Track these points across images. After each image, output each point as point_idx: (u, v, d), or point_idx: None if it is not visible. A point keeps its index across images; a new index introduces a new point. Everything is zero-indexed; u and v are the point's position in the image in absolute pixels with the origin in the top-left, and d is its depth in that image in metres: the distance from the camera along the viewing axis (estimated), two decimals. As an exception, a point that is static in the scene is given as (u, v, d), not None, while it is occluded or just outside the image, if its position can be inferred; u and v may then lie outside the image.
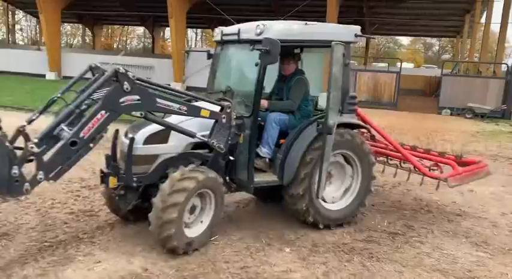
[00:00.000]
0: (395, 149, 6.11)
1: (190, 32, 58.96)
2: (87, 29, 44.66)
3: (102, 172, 4.41)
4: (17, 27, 46.95)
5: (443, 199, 6.59)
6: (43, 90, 19.35)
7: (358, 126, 5.38)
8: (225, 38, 5.21)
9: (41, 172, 3.56)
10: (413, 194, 6.81)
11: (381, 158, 6.45)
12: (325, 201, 5.06)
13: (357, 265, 4.21)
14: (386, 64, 27.31)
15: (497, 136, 13.37)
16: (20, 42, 47.16)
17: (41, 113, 4.08)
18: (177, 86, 22.59)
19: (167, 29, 38.38)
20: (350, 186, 5.28)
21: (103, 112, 3.76)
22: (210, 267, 3.99)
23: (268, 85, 5.40)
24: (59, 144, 3.63)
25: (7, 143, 3.43)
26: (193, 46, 56.76)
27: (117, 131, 4.49)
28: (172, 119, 4.42)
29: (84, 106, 3.87)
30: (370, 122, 6.11)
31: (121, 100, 3.82)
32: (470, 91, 18.06)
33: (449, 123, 15.85)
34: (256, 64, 4.48)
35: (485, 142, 11.88)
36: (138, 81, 3.90)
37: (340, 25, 5.74)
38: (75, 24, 48.75)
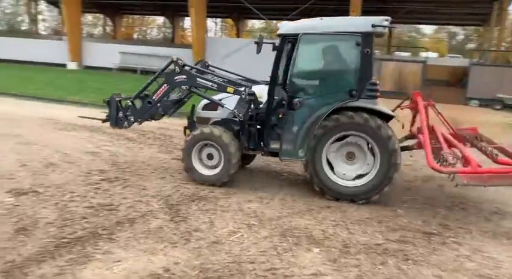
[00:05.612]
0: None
1: (210, 22, 58.71)
2: (107, 18, 44.73)
3: (184, 127, 6.58)
4: (40, 17, 47.40)
5: (478, 196, 6.22)
6: (63, 79, 19.41)
7: (372, 111, 5.35)
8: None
9: (132, 117, 6.24)
10: (446, 189, 6.44)
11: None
12: (334, 174, 5.59)
13: (392, 268, 3.91)
14: (409, 53, 26.50)
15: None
16: (43, 32, 47.53)
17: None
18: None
19: (187, 18, 38.11)
20: (367, 173, 5.53)
21: (165, 85, 6.10)
22: (235, 269, 3.75)
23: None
24: (142, 103, 6.25)
25: (117, 99, 6.25)
26: (213, 35, 56.63)
27: (193, 105, 6.49)
28: (219, 96, 6.21)
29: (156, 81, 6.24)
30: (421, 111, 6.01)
31: (175, 78, 6.02)
32: (499, 81, 17.33)
33: (478, 115, 15.25)
34: (274, 50, 5.76)
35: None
36: (184, 67, 6.03)
37: (357, 17, 6.35)
38: (96, 14, 48.85)
